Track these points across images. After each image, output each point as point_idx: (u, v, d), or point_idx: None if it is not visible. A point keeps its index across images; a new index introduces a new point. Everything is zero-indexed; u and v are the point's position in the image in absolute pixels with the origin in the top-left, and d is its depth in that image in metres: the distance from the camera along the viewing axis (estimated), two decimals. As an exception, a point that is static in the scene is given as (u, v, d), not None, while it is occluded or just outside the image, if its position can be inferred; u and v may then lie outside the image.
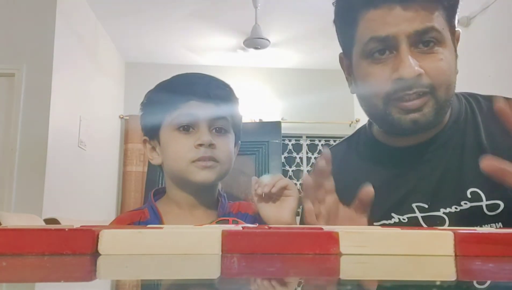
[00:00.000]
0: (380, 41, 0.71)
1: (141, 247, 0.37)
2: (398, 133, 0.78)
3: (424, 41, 0.70)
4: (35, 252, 0.36)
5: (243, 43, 3.97)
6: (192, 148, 0.78)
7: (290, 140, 4.90)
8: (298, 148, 4.93)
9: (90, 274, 0.32)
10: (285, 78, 4.93)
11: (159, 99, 0.84)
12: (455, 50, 0.76)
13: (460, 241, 0.36)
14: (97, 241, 0.36)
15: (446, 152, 0.77)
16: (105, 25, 4.02)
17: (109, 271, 0.33)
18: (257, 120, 4.46)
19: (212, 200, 0.86)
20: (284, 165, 4.81)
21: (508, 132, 0.70)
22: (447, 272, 0.33)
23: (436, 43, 0.70)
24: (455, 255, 0.36)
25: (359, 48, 0.75)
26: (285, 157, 4.85)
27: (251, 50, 4.07)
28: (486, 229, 0.43)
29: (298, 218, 0.81)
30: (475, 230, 0.41)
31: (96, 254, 0.36)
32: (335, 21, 0.80)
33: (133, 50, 4.56)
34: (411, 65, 0.68)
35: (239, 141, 0.90)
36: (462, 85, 0.86)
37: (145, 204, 0.88)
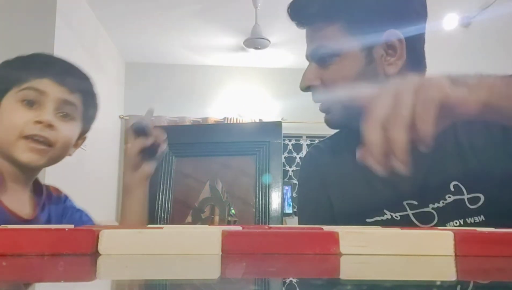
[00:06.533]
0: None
1: (141, 247, 0.37)
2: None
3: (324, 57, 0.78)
4: (35, 252, 0.36)
5: (243, 43, 3.96)
6: (29, 123, 0.75)
7: (290, 140, 4.89)
8: (298, 148, 4.92)
9: (90, 274, 0.32)
10: (285, 78, 4.92)
11: (13, 66, 0.81)
12: (375, 56, 0.76)
13: (460, 241, 0.37)
14: (97, 241, 0.36)
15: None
16: (105, 25, 4.01)
17: (109, 271, 0.33)
18: (257, 120, 4.46)
19: (31, 180, 0.82)
20: (284, 165, 4.80)
21: (485, 126, 0.72)
22: (447, 272, 0.33)
23: (332, 56, 0.77)
24: (455, 255, 0.36)
25: None
26: (285, 157, 4.85)
27: (251, 50, 4.06)
28: (486, 229, 0.43)
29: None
30: (475, 230, 0.41)
31: (96, 254, 0.36)
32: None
33: (133, 50, 4.55)
34: (303, 78, 0.80)
35: (86, 135, 0.88)
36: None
37: None
